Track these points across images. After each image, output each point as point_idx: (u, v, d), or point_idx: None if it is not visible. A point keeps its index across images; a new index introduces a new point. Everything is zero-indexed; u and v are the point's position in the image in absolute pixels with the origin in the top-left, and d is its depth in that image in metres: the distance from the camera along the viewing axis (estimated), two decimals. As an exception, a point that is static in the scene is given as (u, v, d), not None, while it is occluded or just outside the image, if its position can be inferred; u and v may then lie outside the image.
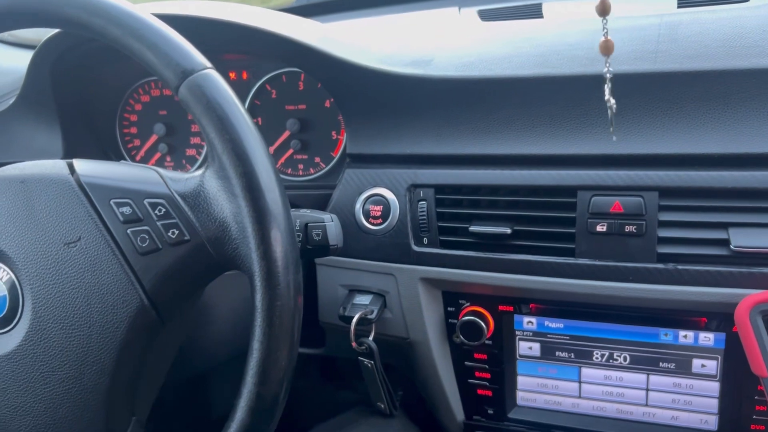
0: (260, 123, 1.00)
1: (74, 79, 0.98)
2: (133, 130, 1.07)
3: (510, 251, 0.79)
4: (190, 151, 1.05)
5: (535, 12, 0.98)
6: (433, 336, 0.85)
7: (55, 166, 0.61)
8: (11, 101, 1.09)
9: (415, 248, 0.82)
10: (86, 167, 0.61)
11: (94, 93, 1.03)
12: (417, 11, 1.12)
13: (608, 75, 0.57)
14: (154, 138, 1.05)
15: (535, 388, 0.86)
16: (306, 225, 0.67)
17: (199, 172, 0.59)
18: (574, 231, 0.76)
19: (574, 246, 0.76)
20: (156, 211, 0.58)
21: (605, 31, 0.58)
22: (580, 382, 0.84)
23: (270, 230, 0.55)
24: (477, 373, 0.86)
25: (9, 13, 0.60)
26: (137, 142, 1.07)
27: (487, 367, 0.86)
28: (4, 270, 0.60)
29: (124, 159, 1.08)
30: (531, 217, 0.78)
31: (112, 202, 0.58)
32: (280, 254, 0.55)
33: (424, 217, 0.81)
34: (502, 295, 0.82)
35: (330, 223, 0.67)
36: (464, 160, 0.81)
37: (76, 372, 0.59)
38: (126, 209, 0.58)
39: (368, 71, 0.82)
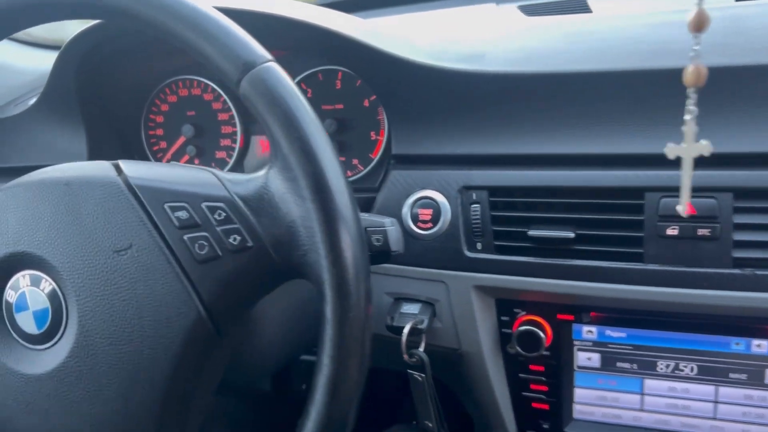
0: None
1: (100, 79, 0.94)
2: (159, 131, 1.02)
3: (572, 256, 0.74)
4: (220, 154, 1.00)
5: (581, 6, 0.94)
6: (486, 347, 0.80)
7: (101, 167, 0.57)
8: (30, 102, 1.04)
9: (468, 254, 0.78)
10: (135, 169, 0.56)
11: (119, 93, 0.98)
12: (452, 7, 1.07)
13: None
14: (181, 140, 1.00)
15: (594, 401, 0.82)
16: (365, 229, 0.62)
17: (261, 172, 0.54)
18: (642, 235, 0.71)
19: (642, 250, 0.71)
20: (215, 216, 0.53)
21: (696, 51, 0.53)
22: (642, 395, 0.79)
23: (341, 235, 0.50)
24: (532, 386, 0.82)
25: (49, 3, 0.56)
26: (163, 144, 1.02)
27: (543, 379, 0.81)
28: (47, 280, 0.55)
29: (150, 161, 1.03)
30: (595, 221, 0.73)
31: (166, 206, 0.54)
32: (351, 261, 0.50)
33: (478, 221, 0.77)
34: (561, 303, 0.77)
35: (391, 227, 0.62)
36: (520, 161, 0.77)
37: (126, 391, 0.54)
38: (182, 214, 0.53)
39: (419, 67, 0.77)
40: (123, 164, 0.57)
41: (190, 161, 1.01)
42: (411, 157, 0.82)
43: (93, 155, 0.95)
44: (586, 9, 0.92)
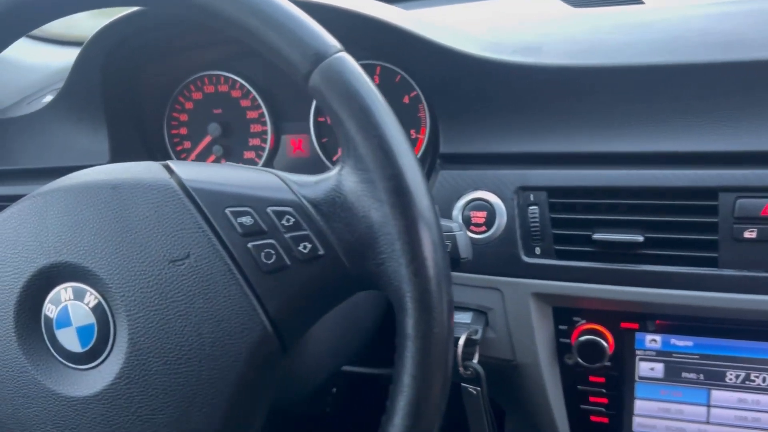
0: (329, 122, 0.90)
1: (124, 75, 0.88)
2: (183, 130, 0.97)
3: (640, 261, 0.70)
4: (249, 154, 0.95)
5: (631, -3, 0.89)
6: (543, 357, 0.76)
7: (151, 168, 0.51)
8: (44, 100, 0.99)
9: (526, 259, 0.73)
10: (188, 170, 0.51)
11: (142, 90, 0.93)
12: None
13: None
14: (207, 139, 0.95)
15: (655, 413, 0.77)
16: (435, 235, 0.57)
17: (332, 173, 0.49)
18: (716, 238, 0.67)
19: (716, 255, 0.67)
20: (283, 222, 0.48)
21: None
22: (708, 406, 0.75)
23: (423, 243, 0.45)
24: (591, 398, 0.77)
25: None
26: (187, 144, 0.97)
27: (603, 391, 0.76)
28: (92, 293, 0.50)
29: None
30: (665, 223, 0.69)
31: (227, 211, 0.48)
32: (434, 271, 0.45)
33: (537, 224, 0.72)
34: (624, 311, 0.73)
35: (460, 232, 0.58)
36: (582, 159, 0.72)
37: (182, 415, 0.49)
38: (246, 219, 0.48)
39: (476, 60, 0.72)
40: (174, 165, 0.52)
41: (217, 161, 0.96)
42: (461, 156, 0.77)
43: (115, 155, 0.90)
44: (638, 0, 0.88)
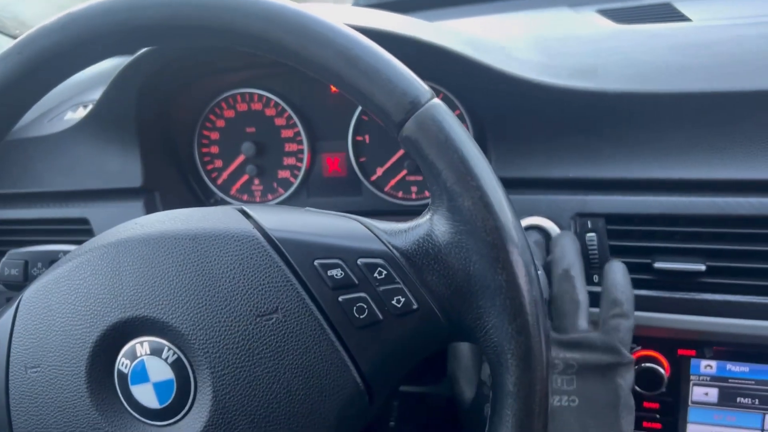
0: (368, 141, 0.88)
1: (158, 97, 0.85)
2: (214, 149, 0.94)
3: (701, 290, 0.69)
4: (283, 173, 0.92)
5: (674, 14, 0.88)
6: (599, 384, 0.75)
7: (230, 216, 0.49)
8: (65, 116, 0.96)
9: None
10: (269, 217, 0.49)
11: (173, 109, 0.90)
12: (521, 10, 1.01)
13: None
14: (241, 158, 0.92)
15: (709, 438, 0.77)
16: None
17: (421, 221, 0.47)
18: (780, 266, 0.66)
19: (780, 283, 0.66)
20: (375, 274, 0.46)
21: None
22: (763, 430, 0.75)
23: (526, 299, 0.44)
24: (645, 423, 0.76)
25: (167, 27, 0.48)
26: (219, 163, 0.94)
27: (657, 416, 0.76)
28: (170, 348, 0.48)
29: (204, 182, 0.95)
30: (728, 251, 0.68)
31: (317, 263, 0.46)
32: (537, 329, 0.44)
33: (595, 252, 0.71)
34: (683, 338, 0.72)
35: (540, 271, 0.56)
36: (641, 186, 0.71)
37: (270, 475, 0.47)
38: (336, 272, 0.46)
39: (531, 85, 0.71)
40: (251, 211, 0.50)
41: (249, 182, 0.93)
42: (514, 181, 0.75)
43: (147, 176, 0.87)
44: (680, 16, 0.86)
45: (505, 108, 0.74)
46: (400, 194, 0.89)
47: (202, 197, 0.94)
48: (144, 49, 0.78)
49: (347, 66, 0.46)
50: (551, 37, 0.84)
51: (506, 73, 0.71)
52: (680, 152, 0.69)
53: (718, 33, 0.78)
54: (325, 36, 0.46)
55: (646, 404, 0.76)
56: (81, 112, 0.95)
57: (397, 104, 0.45)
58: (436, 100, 0.46)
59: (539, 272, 0.57)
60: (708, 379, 0.74)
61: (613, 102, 0.70)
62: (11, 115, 0.54)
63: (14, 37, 0.82)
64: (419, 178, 0.88)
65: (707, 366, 0.74)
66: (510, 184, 0.75)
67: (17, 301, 0.52)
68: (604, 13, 0.92)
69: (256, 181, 0.93)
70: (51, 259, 0.66)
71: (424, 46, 0.71)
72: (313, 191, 0.93)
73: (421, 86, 0.46)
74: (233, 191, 0.95)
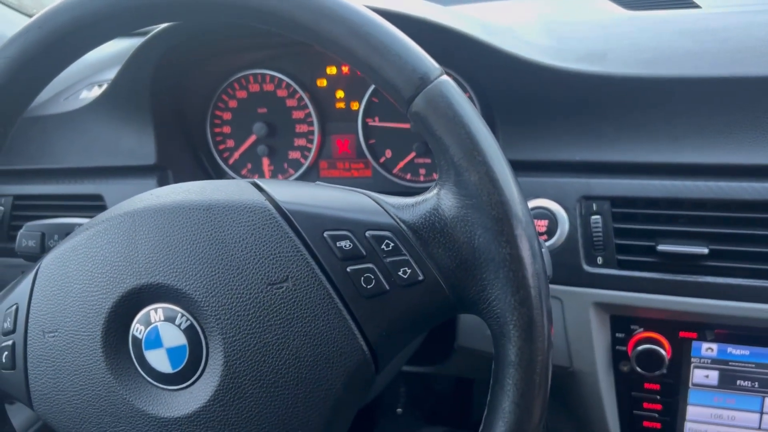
0: (377, 122, 0.90)
1: (172, 76, 0.87)
2: (226, 129, 0.95)
3: (703, 273, 0.70)
4: (294, 154, 0.94)
5: (684, 1, 0.88)
6: (601, 365, 0.76)
7: (242, 188, 0.50)
8: (81, 95, 0.97)
9: (588, 269, 0.73)
10: (282, 190, 0.50)
11: (186, 89, 0.91)
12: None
13: None
14: (252, 138, 0.93)
15: (708, 419, 0.78)
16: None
17: (429, 195, 0.49)
18: (783, 251, 0.67)
19: (782, 267, 0.67)
20: (383, 246, 0.47)
21: None
22: (761, 413, 0.76)
23: (529, 272, 0.45)
24: (645, 404, 0.78)
25: (184, 3, 0.49)
26: (230, 143, 0.96)
27: (658, 397, 0.77)
28: (183, 315, 0.49)
29: (216, 161, 0.97)
30: (731, 235, 0.69)
31: (326, 234, 0.48)
32: (539, 301, 0.45)
33: (600, 234, 0.72)
34: (684, 320, 0.73)
35: (544, 249, 0.57)
36: (646, 169, 0.72)
37: (277, 437, 0.48)
38: (345, 243, 0.47)
39: (540, 68, 0.72)
40: (263, 184, 0.51)
41: (259, 162, 0.95)
42: (522, 164, 0.76)
43: (161, 155, 0.89)
44: (689, 3, 0.87)
45: (514, 91, 0.75)
46: (408, 176, 0.90)
47: (213, 176, 0.96)
48: (159, 29, 0.79)
49: (359, 42, 0.47)
50: (561, 23, 0.85)
51: (515, 56, 0.72)
52: (686, 137, 0.70)
53: (727, 20, 0.78)
54: (337, 13, 0.47)
55: (647, 385, 0.77)
56: (96, 91, 0.97)
57: (406, 80, 0.46)
58: (445, 77, 0.47)
59: (545, 249, 0.58)
60: (709, 361, 0.75)
61: (621, 86, 0.71)
62: (31, 87, 0.56)
63: (31, 17, 0.84)
64: (427, 160, 0.89)
65: (708, 349, 0.75)
66: (517, 167, 0.76)
67: (36, 268, 0.54)
68: (620, 0, 0.92)
69: (267, 161, 0.95)
70: (66, 232, 0.68)
71: (434, 28, 0.72)
72: (323, 172, 0.94)
73: (431, 63, 0.47)
74: (244, 171, 0.96)
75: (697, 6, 0.85)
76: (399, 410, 1.17)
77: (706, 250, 0.68)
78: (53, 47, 0.53)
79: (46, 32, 0.52)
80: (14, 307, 0.54)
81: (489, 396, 0.48)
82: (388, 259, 0.47)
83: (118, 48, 1.13)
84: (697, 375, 0.76)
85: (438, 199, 0.48)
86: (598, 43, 0.77)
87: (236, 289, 0.48)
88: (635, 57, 0.73)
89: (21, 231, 0.70)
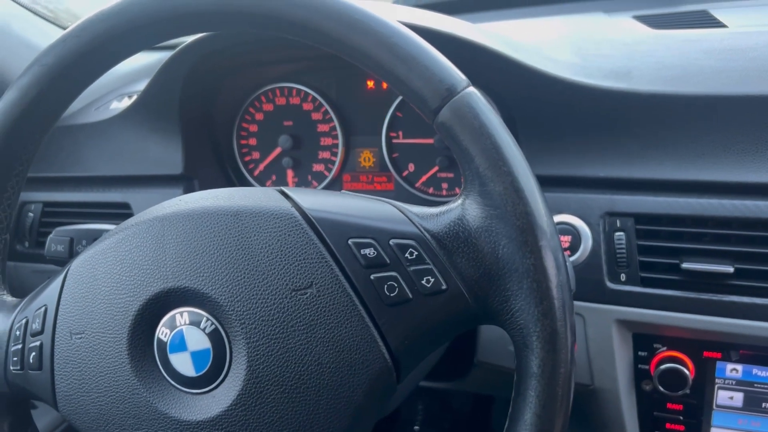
0: (401, 137, 0.90)
1: (200, 88, 0.88)
2: (252, 141, 0.97)
3: (728, 292, 0.69)
4: (318, 167, 0.95)
5: (710, 20, 0.88)
6: (623, 383, 0.75)
7: (270, 195, 0.51)
8: (111, 105, 0.99)
9: (611, 285, 0.73)
10: (308, 198, 0.51)
11: (214, 101, 0.93)
12: (557, 15, 1.02)
13: None
14: (277, 151, 0.95)
15: (732, 442, 0.77)
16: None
17: (453, 206, 0.49)
18: (810, 271, 0.66)
19: (810, 288, 0.66)
20: (406, 255, 0.48)
21: None
22: (788, 438, 0.75)
23: (553, 283, 0.45)
24: (668, 425, 0.77)
25: (216, 13, 0.50)
26: (256, 155, 0.97)
27: (681, 418, 0.76)
28: (208, 319, 0.50)
29: (241, 172, 0.98)
30: (755, 254, 0.68)
31: (350, 242, 0.48)
32: (563, 313, 0.45)
33: (623, 251, 0.72)
34: (708, 340, 0.72)
35: (567, 263, 0.57)
36: (671, 187, 0.72)
37: (297, 443, 0.49)
38: (369, 251, 0.48)
39: (566, 84, 0.72)
40: (290, 192, 0.52)
41: (283, 174, 0.96)
42: (546, 179, 0.76)
43: (188, 165, 0.90)
44: (715, 23, 0.87)
45: (538, 106, 0.75)
46: (430, 190, 0.91)
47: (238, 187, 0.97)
48: (189, 41, 0.81)
49: (387, 53, 0.47)
50: (586, 41, 0.85)
51: (540, 72, 0.72)
52: (712, 154, 0.70)
53: (754, 39, 0.78)
54: (366, 24, 0.48)
55: (669, 405, 0.76)
56: (126, 102, 0.99)
57: (433, 91, 0.47)
58: (472, 88, 0.48)
59: (569, 263, 0.58)
60: (733, 383, 0.74)
61: (646, 103, 0.71)
62: (66, 95, 0.57)
63: (65, 29, 0.86)
64: (450, 174, 0.89)
65: (733, 370, 0.74)
66: (541, 182, 0.75)
67: (66, 270, 0.55)
68: (641, 18, 0.93)
69: (291, 173, 0.96)
70: (95, 237, 0.69)
71: (460, 42, 0.73)
72: (346, 185, 0.95)
73: (458, 74, 0.48)
74: (269, 183, 0.97)
75: (723, 25, 0.85)
76: (416, 428, 1.16)
77: (731, 269, 0.68)
78: (89, 56, 0.54)
79: (84, 41, 0.54)
80: (43, 308, 0.55)
81: (510, 408, 0.48)
82: (412, 268, 0.48)
83: (148, 60, 1.16)
84: (722, 396, 0.75)
85: (462, 209, 0.48)
86: (623, 60, 0.77)
87: (261, 294, 0.49)
88: (661, 74, 0.73)
89: (50, 236, 0.71)
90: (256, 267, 0.49)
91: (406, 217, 0.50)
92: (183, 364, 0.51)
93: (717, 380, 0.75)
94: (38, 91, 0.55)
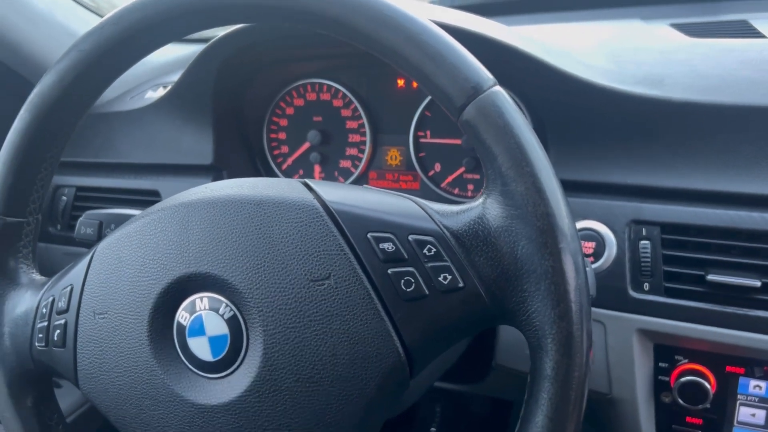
0: (428, 136, 0.91)
1: (233, 81, 0.90)
2: (282, 135, 0.98)
3: (754, 306, 0.68)
4: (345, 163, 0.95)
5: (749, 30, 0.87)
6: (641, 394, 0.74)
7: (293, 186, 0.52)
8: (146, 95, 1.01)
9: (633, 294, 0.72)
10: (330, 191, 0.51)
11: (246, 95, 0.94)
12: (593, 21, 1.01)
13: None
14: (306, 146, 0.96)
15: (752, 461, 0.75)
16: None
17: (474, 204, 0.49)
18: (840, 289, 0.65)
19: (839, 305, 0.65)
20: (425, 251, 0.48)
21: None
22: (810, 459, 0.73)
23: (571, 286, 0.45)
24: (686, 439, 0.76)
25: (249, 5, 0.51)
26: (285, 149, 0.98)
27: (700, 433, 0.75)
28: (228, 305, 0.51)
29: (270, 166, 0.99)
30: (785, 269, 0.67)
31: (370, 235, 0.49)
32: (579, 316, 0.45)
33: (648, 260, 0.71)
34: (731, 354, 0.71)
35: (588, 269, 0.57)
36: (699, 197, 0.70)
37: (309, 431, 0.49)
38: (387, 245, 0.48)
39: (597, 89, 0.71)
40: (313, 184, 0.52)
41: (311, 168, 0.97)
42: (572, 184, 0.76)
43: (218, 156, 0.92)
44: (755, 33, 0.85)
45: (568, 110, 0.74)
46: (456, 191, 0.91)
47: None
48: (222, 34, 0.82)
49: (414, 49, 0.48)
50: (621, 47, 0.84)
51: (572, 76, 0.72)
52: (744, 166, 0.69)
53: (793, 51, 0.76)
54: (396, 21, 0.48)
55: (689, 419, 0.75)
56: (161, 92, 1.01)
57: (459, 89, 0.47)
58: (498, 87, 0.48)
59: (589, 268, 0.58)
60: (756, 399, 0.73)
61: (678, 111, 0.70)
62: (101, 81, 0.59)
63: (106, 19, 0.89)
64: (476, 176, 0.89)
65: (756, 386, 0.72)
66: (567, 186, 0.75)
67: (92, 251, 0.57)
68: (678, 26, 0.91)
69: (318, 168, 0.96)
70: (123, 222, 0.71)
71: (492, 43, 0.73)
72: (372, 182, 0.95)
73: (485, 73, 0.48)
74: (296, 177, 0.98)
75: (763, 36, 0.83)
76: (433, 430, 1.16)
77: (758, 283, 0.67)
78: (125, 43, 0.55)
79: (121, 29, 0.55)
80: (69, 287, 0.57)
81: (522, 409, 0.48)
82: (430, 264, 0.48)
83: (183, 52, 1.18)
84: (743, 413, 0.74)
85: (483, 207, 0.48)
86: (657, 68, 0.76)
87: (279, 283, 0.49)
88: (695, 83, 0.72)
89: (80, 219, 0.73)
90: (276, 256, 0.50)
91: (426, 213, 0.50)
92: (201, 348, 0.52)
93: (739, 396, 0.73)
94: (75, 75, 0.56)
